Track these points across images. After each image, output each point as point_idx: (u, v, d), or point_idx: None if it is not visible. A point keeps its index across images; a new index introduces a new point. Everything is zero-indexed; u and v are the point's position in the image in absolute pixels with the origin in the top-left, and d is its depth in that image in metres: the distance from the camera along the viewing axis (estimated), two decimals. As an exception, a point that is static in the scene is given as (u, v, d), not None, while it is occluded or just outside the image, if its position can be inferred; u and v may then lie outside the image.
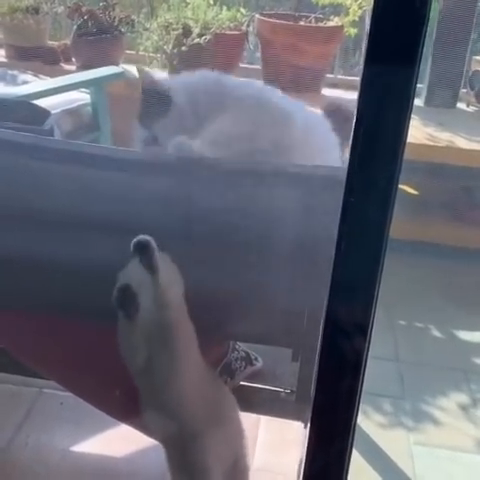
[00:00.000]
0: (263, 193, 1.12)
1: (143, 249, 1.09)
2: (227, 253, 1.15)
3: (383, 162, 0.74)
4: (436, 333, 2.38)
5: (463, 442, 1.88)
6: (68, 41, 3.33)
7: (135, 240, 1.09)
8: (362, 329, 0.88)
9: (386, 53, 0.73)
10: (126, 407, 1.30)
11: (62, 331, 1.28)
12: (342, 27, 3.11)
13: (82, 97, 2.38)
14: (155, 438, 1.33)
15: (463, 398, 2.05)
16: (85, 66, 3.16)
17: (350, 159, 0.78)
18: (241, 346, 1.38)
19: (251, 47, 3.48)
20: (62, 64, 3.31)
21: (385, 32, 0.72)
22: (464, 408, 2.01)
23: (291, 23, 3.13)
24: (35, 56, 3.24)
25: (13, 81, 2.48)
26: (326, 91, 3.28)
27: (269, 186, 1.12)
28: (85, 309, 1.21)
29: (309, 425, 0.99)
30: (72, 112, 2.28)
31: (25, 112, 1.68)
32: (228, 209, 1.11)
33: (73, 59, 3.31)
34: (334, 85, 3.38)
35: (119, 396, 1.30)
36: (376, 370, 2.16)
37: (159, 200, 1.12)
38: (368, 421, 1.93)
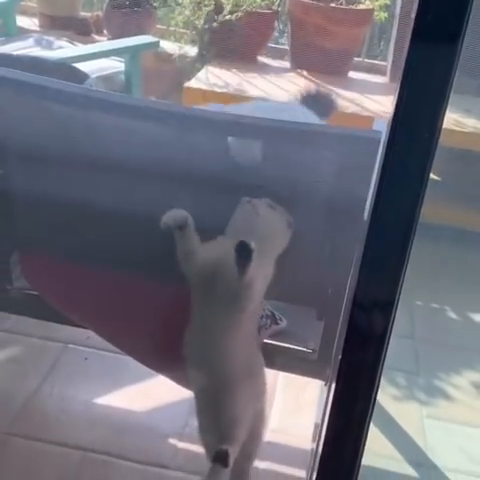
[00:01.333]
0: (299, 151, 1.16)
1: (244, 252, 1.10)
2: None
3: (427, 113, 0.78)
4: (452, 314, 2.41)
5: (474, 418, 1.92)
6: (101, 12, 3.38)
7: (239, 243, 1.10)
8: (390, 296, 0.91)
9: (432, 30, 0.76)
10: (163, 358, 1.35)
11: (105, 281, 1.32)
12: (372, 10, 3.13)
13: (116, 65, 2.43)
14: (189, 388, 1.37)
15: (476, 376, 2.08)
16: (116, 38, 3.20)
17: (394, 113, 0.81)
18: (267, 305, 1.42)
19: (281, 27, 3.50)
20: (94, 35, 3.35)
21: (431, 11, 0.75)
22: (477, 386, 2.04)
23: (322, 4, 3.15)
24: (68, 26, 3.29)
25: (49, 46, 2.53)
26: (353, 74, 3.29)
27: (306, 144, 1.16)
28: (129, 260, 1.25)
29: (333, 390, 1.03)
30: (106, 79, 2.33)
31: (66, 73, 1.73)
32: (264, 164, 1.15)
33: (105, 31, 3.36)
34: (361, 68, 3.40)
35: (157, 347, 1.35)
36: (392, 346, 2.21)
37: (200, 152, 1.16)
38: (383, 393, 1.97)
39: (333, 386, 1.08)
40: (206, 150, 1.16)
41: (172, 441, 1.70)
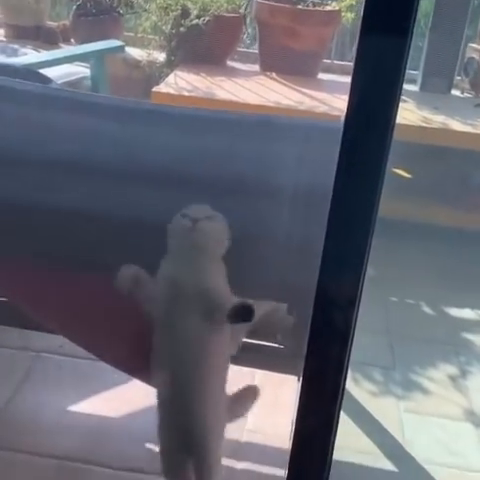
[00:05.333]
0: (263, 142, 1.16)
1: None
2: (227, 199, 1.19)
3: (377, 117, 0.78)
4: (427, 309, 2.42)
5: (451, 410, 1.93)
6: (67, 21, 3.36)
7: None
8: (351, 297, 0.91)
9: (379, 26, 0.76)
10: (134, 360, 1.34)
11: (75, 284, 1.30)
12: (339, 11, 3.15)
13: (82, 70, 2.42)
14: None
15: (452, 369, 2.09)
16: (84, 46, 3.20)
17: (345, 121, 0.81)
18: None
19: (249, 31, 3.51)
20: (61, 44, 3.34)
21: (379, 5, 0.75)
22: (453, 378, 2.05)
23: (289, 6, 3.16)
24: (34, 36, 3.27)
25: (13, 54, 2.51)
26: (323, 75, 3.31)
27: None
28: (101, 262, 1.24)
29: (300, 388, 1.03)
30: (72, 84, 2.32)
31: (29, 78, 1.71)
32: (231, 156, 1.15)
33: (72, 39, 3.34)
34: (330, 70, 3.42)
35: (128, 350, 1.34)
36: (368, 341, 2.21)
37: (162, 148, 1.15)
38: (359, 389, 1.97)
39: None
40: (163, 145, 1.16)
41: (149, 446, 1.68)
